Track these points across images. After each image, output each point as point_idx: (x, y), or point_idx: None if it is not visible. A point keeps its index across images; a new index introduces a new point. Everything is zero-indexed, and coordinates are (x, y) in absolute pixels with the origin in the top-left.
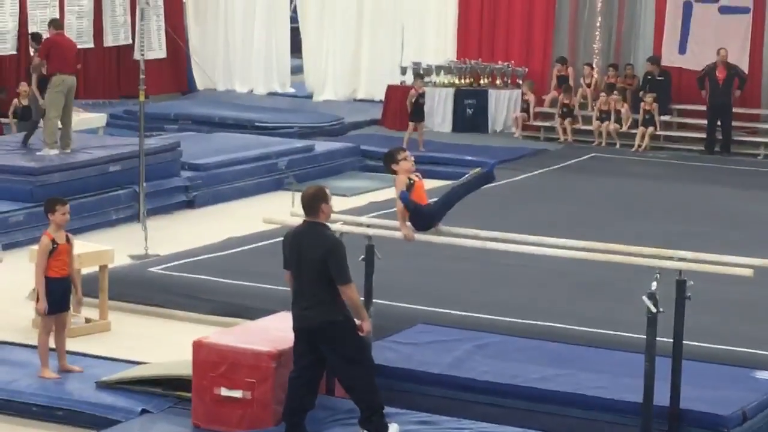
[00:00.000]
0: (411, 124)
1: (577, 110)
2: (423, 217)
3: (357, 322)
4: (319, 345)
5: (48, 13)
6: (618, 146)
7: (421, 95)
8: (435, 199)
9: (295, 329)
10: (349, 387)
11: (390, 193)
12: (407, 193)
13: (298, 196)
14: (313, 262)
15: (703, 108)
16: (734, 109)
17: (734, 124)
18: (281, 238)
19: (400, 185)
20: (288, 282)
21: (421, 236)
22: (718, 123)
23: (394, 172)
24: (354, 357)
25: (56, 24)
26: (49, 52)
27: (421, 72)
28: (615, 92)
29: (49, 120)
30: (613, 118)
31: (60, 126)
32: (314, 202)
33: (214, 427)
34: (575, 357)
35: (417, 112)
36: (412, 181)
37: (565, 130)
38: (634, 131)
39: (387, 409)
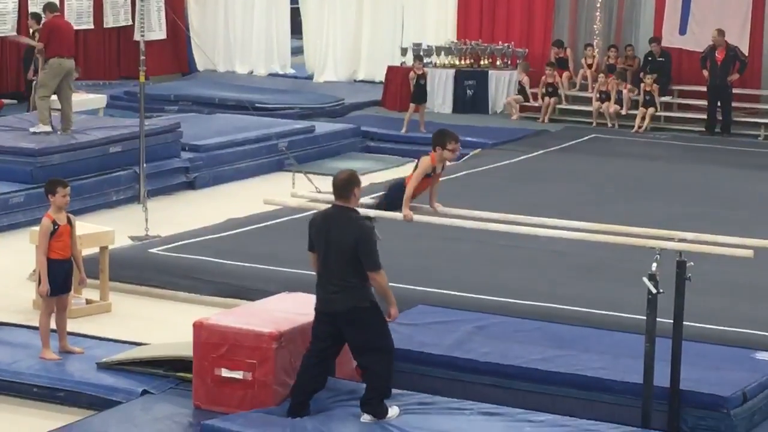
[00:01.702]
0: (412, 105)
1: (562, 89)
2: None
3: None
4: (341, 329)
5: None
6: (616, 127)
7: (422, 76)
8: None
9: (318, 311)
10: (365, 369)
11: (390, 174)
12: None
13: (298, 177)
14: (343, 247)
15: (704, 89)
16: (734, 90)
17: (734, 104)
18: (282, 219)
19: (423, 168)
20: (312, 264)
21: (421, 217)
22: (719, 104)
23: (434, 151)
24: (377, 343)
25: (51, 7)
26: (49, 36)
27: (421, 53)
28: (612, 74)
29: (40, 100)
30: (613, 99)
31: (59, 107)
32: (348, 186)
33: (215, 408)
34: (576, 338)
35: (418, 93)
36: (434, 171)
37: (546, 109)
38: (634, 112)
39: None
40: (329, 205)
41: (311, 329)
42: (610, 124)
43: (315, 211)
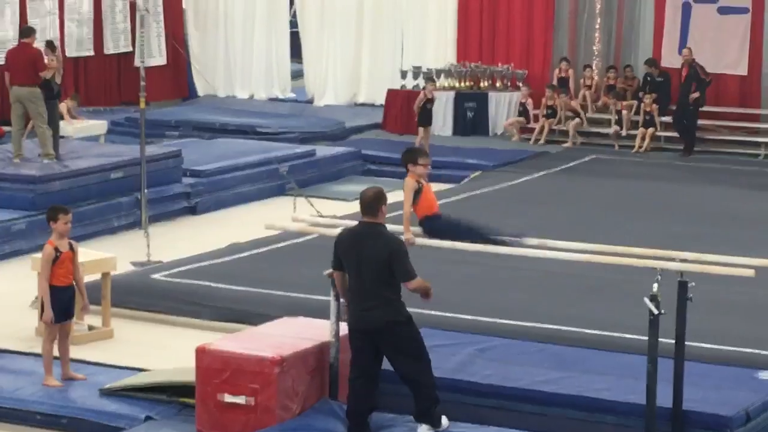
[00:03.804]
0: (420, 129)
1: (560, 111)
2: (437, 228)
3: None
4: (378, 344)
5: (48, 21)
6: (616, 148)
7: (430, 100)
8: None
9: (354, 330)
10: (411, 381)
11: (393, 196)
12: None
13: (299, 201)
14: (377, 262)
15: (701, 109)
16: (734, 109)
17: (735, 124)
18: (284, 243)
19: (409, 188)
20: (337, 283)
21: (423, 240)
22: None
23: (407, 171)
24: (416, 353)
25: (21, 32)
26: (8, 64)
27: (430, 75)
28: (609, 94)
29: (38, 128)
30: (613, 120)
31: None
32: (375, 203)
33: None
34: (578, 359)
35: (424, 117)
36: (420, 185)
37: (542, 130)
38: (634, 132)
39: (389, 415)
40: (355, 223)
41: (350, 351)
42: (571, 143)
43: (341, 230)
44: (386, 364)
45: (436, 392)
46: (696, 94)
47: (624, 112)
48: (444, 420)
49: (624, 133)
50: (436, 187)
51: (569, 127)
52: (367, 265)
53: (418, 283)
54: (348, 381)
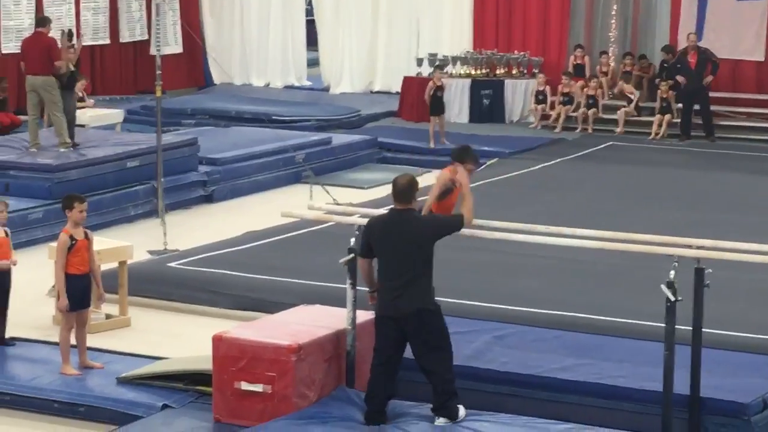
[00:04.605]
0: (432, 118)
1: (577, 98)
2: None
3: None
4: (406, 331)
5: (64, 10)
6: (620, 130)
7: (440, 88)
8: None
9: (384, 316)
10: (430, 371)
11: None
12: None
13: (316, 189)
14: (414, 247)
15: (719, 95)
16: (751, 95)
17: (749, 110)
18: (300, 231)
19: (441, 182)
20: (363, 269)
21: None
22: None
23: (453, 165)
24: (440, 344)
25: (37, 21)
26: (23, 53)
27: (440, 63)
28: (621, 79)
29: (53, 117)
30: (633, 104)
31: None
32: (409, 191)
33: (235, 421)
34: (595, 346)
35: (435, 105)
36: (452, 185)
37: (558, 117)
38: (650, 119)
39: (407, 402)
40: (382, 211)
41: (375, 338)
42: (590, 130)
43: (370, 217)
44: (407, 353)
45: (454, 385)
46: (710, 78)
47: (632, 94)
48: (461, 410)
49: (626, 110)
50: None
51: (588, 114)
52: (402, 252)
53: (470, 217)
54: (370, 366)
